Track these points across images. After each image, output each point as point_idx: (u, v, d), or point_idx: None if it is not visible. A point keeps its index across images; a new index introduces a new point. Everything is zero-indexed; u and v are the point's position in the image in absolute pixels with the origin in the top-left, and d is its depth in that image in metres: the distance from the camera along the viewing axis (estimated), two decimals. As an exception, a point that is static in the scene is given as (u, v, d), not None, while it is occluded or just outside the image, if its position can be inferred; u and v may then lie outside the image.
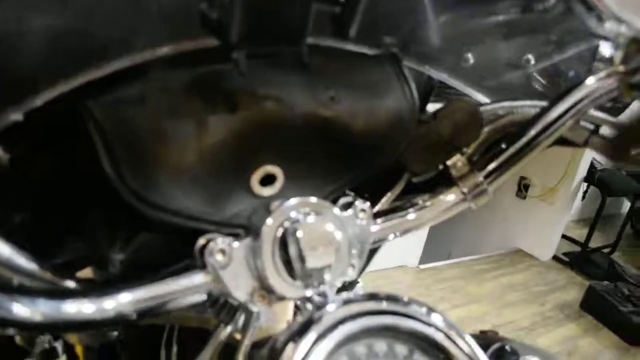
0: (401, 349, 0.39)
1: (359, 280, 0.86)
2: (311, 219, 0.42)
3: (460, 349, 0.39)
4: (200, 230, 0.40)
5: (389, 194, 0.54)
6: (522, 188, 4.84)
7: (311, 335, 0.37)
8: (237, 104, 0.39)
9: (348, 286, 0.86)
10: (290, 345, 0.37)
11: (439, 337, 0.39)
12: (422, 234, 4.28)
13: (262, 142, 0.41)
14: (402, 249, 4.29)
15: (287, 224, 0.41)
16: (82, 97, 0.35)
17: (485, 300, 3.99)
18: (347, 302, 0.40)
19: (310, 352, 0.36)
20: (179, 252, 0.41)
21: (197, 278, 0.39)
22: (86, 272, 0.46)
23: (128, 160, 0.35)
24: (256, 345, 0.44)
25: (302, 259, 0.40)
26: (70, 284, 0.40)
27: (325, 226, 0.42)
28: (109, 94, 0.36)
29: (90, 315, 0.34)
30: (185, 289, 0.39)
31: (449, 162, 0.51)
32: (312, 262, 0.41)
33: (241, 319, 0.46)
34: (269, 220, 0.41)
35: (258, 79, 0.40)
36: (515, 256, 4.82)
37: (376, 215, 0.49)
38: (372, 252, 0.81)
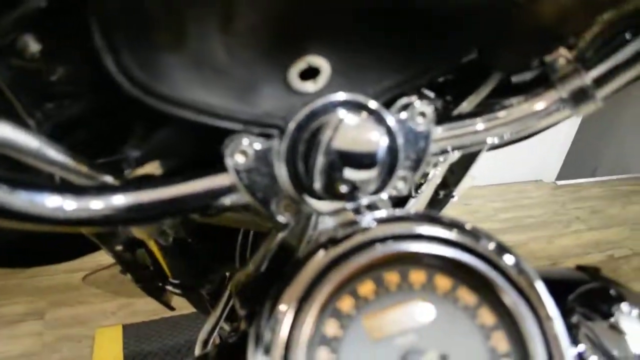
0: (443, 281, 0.32)
1: (455, 194, 0.78)
2: (349, 119, 0.34)
3: (521, 293, 0.32)
4: (230, 130, 0.35)
5: (472, 96, 0.45)
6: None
7: (324, 257, 0.32)
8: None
9: (442, 200, 0.79)
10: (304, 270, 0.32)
11: (492, 274, 0.32)
12: (561, 147, 3.95)
13: (304, 25, 0.33)
14: (538, 161, 4.01)
15: (315, 124, 0.35)
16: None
17: (627, 224, 3.64)
18: (383, 220, 0.33)
19: (324, 280, 0.31)
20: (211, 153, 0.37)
21: (217, 181, 0.35)
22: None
23: (130, 45, 0.30)
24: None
25: (330, 167, 0.34)
26: (109, 179, 0.38)
27: (365, 129, 0.35)
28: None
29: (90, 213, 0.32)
30: (204, 192, 0.35)
31: (548, 58, 0.40)
32: (341, 171, 0.34)
33: (298, 226, 0.42)
34: (295, 119, 0.35)
35: None
36: (673, 179, 4.30)
37: (449, 120, 0.40)
38: (469, 162, 0.73)
